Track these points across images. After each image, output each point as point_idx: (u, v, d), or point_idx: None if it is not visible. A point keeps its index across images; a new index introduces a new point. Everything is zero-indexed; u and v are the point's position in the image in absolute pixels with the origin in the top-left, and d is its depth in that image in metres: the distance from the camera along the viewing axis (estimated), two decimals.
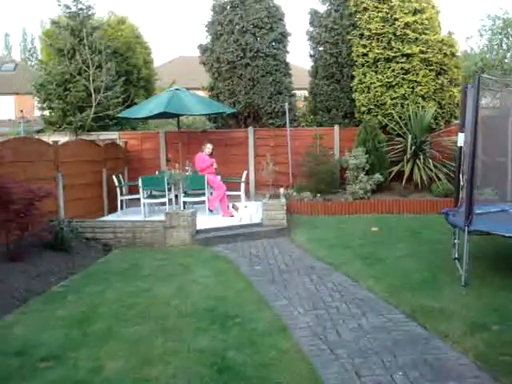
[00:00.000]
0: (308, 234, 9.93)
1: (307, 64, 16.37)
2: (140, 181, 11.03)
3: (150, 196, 11.65)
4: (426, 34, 13.11)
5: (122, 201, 11.82)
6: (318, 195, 12.41)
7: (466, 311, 5.26)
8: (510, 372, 3.96)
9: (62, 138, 12.92)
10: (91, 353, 4.54)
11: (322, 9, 14.81)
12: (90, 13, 15.55)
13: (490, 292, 5.86)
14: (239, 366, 4.18)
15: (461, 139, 7.13)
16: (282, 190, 11.71)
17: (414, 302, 5.59)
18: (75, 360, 4.41)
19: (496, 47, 24.66)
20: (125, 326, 5.17)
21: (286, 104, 13.88)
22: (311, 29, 14.90)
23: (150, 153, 14.35)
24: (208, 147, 11.68)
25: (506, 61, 23.84)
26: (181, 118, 13.99)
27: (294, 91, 15.33)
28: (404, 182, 12.51)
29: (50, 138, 13.02)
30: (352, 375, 4.04)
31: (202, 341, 4.72)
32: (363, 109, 13.55)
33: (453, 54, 13.50)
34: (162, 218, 9.62)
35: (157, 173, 12.77)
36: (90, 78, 14.43)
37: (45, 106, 15.31)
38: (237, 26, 14.34)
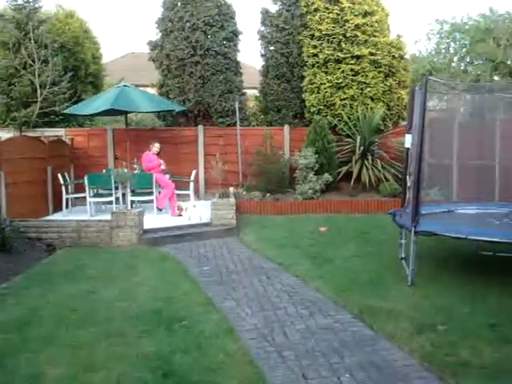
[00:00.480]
0: (257, 233, 9.89)
1: (258, 63, 16.36)
2: (86, 179, 10.75)
3: (97, 195, 11.37)
4: (375, 36, 13.28)
5: (67, 199, 11.43)
6: (268, 195, 12.39)
7: (413, 311, 5.32)
8: (455, 372, 4.01)
9: (6, 135, 12.51)
10: (31, 359, 4.36)
11: (274, 8, 14.77)
12: (36, 6, 15.00)
13: (436, 292, 5.95)
14: (185, 371, 4.09)
15: (408, 140, 7.22)
16: (231, 190, 11.68)
17: (361, 303, 5.62)
18: (14, 366, 4.23)
19: (443, 51, 25.34)
20: (67, 331, 4.99)
21: (237, 103, 13.80)
22: (262, 28, 14.84)
23: (98, 150, 14.00)
24: (156, 146, 11.51)
25: (453, 64, 24.50)
26: (129, 115, 13.73)
27: (244, 90, 15.25)
28: (352, 182, 12.61)
29: None
30: (299, 378, 4.01)
31: (147, 344, 4.61)
32: (313, 109, 13.61)
33: (401, 57, 13.76)
34: (108, 217, 9.41)
35: (104, 171, 12.48)
36: (36, 73, 13.95)
37: None
38: (187, 23, 14.14)
